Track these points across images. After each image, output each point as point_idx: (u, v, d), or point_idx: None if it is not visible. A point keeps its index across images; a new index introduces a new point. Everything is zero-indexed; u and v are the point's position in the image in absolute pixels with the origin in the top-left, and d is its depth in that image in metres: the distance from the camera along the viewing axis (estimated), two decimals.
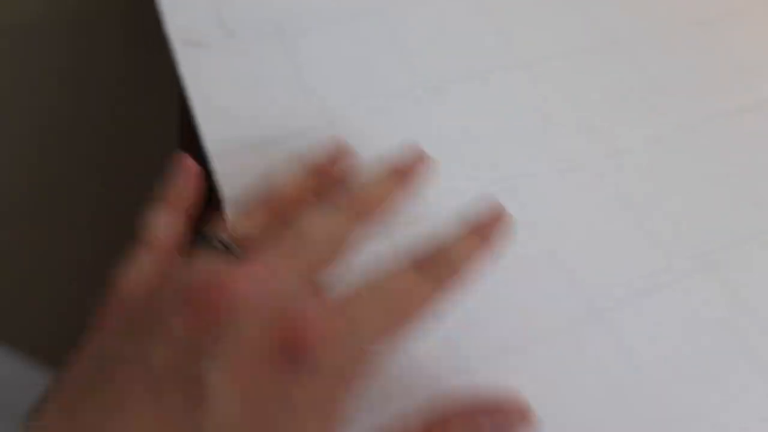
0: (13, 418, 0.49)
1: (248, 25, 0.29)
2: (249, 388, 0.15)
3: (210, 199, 0.24)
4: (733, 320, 0.23)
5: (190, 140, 0.26)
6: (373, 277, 0.18)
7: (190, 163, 0.22)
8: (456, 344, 0.22)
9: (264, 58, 0.28)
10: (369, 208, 0.21)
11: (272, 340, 0.15)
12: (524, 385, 0.21)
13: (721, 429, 0.21)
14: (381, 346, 0.17)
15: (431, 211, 0.25)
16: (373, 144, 0.26)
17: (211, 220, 0.22)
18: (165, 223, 0.21)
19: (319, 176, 0.23)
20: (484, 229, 0.20)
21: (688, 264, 0.24)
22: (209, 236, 0.20)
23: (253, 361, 0.15)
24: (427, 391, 0.21)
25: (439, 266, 0.18)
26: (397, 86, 0.28)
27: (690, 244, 0.25)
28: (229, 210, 0.22)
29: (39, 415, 0.16)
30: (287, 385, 0.15)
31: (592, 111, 0.28)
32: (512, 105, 0.28)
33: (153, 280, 0.18)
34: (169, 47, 0.28)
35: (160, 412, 0.14)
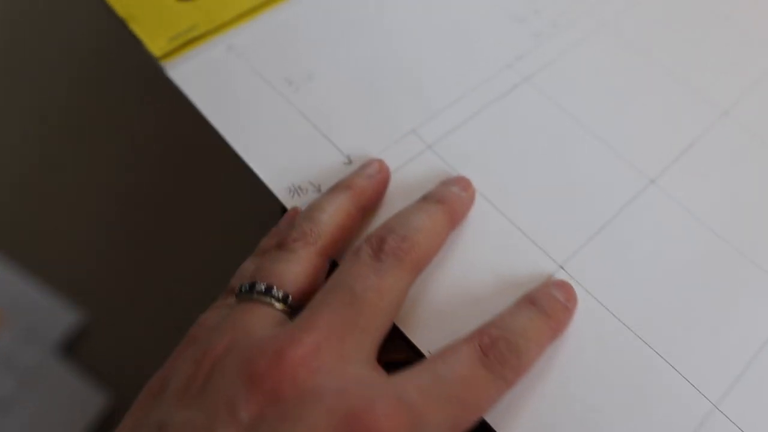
0: (44, 344, 0.56)
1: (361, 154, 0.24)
2: None
3: None
4: None
5: None
6: (439, 366, 0.17)
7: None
8: None
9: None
10: (424, 257, 0.20)
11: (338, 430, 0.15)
12: None
13: None
14: None
15: None
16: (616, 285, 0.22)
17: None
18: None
19: (363, 205, 0.22)
20: (556, 315, 0.20)
21: None
22: (262, 286, 0.19)
23: None
24: None
25: (507, 363, 0.18)
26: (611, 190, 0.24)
27: None
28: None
29: None
30: None
31: None
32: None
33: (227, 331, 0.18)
34: None
35: None
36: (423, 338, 0.20)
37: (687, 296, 0.22)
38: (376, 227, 0.22)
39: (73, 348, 0.59)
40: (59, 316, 0.59)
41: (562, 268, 0.22)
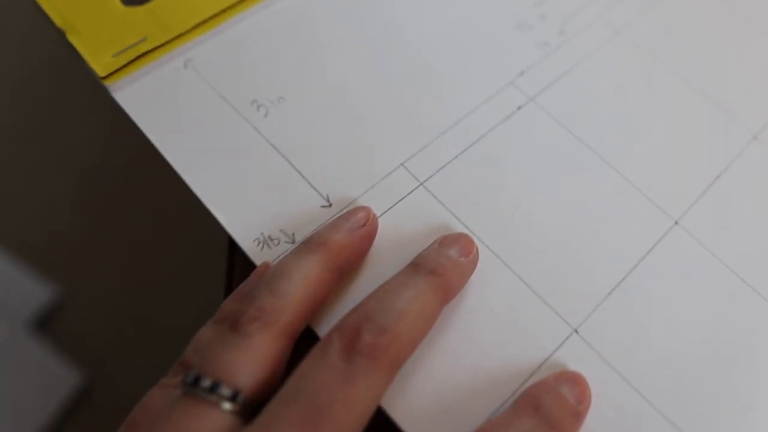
0: (14, 320, 0.56)
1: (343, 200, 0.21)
2: None
3: None
4: None
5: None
6: None
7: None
8: None
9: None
10: (406, 351, 0.16)
11: None
12: None
13: None
14: None
15: None
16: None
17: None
18: None
19: (340, 267, 0.18)
20: (562, 425, 0.16)
21: None
22: (208, 383, 0.16)
23: None
24: None
25: None
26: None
27: None
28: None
29: None
30: None
31: None
32: None
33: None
34: None
35: None
36: (416, 426, 0.17)
37: (718, 366, 0.19)
38: (354, 290, 0.19)
39: (45, 325, 0.57)
40: (32, 293, 0.57)
41: (576, 332, 0.19)
